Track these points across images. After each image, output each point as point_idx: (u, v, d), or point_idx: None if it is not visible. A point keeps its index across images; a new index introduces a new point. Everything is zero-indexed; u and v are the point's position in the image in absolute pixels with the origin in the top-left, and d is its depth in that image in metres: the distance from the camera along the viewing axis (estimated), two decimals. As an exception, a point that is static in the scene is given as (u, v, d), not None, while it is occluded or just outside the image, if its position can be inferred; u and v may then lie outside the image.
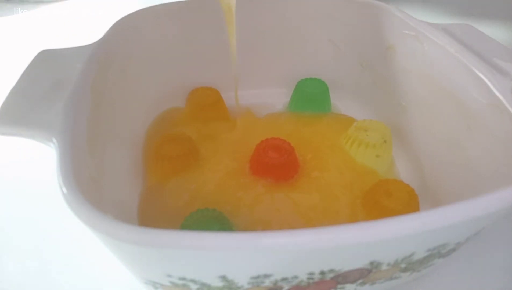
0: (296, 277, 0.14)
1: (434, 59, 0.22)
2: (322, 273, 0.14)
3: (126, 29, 0.23)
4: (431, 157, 0.23)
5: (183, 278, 0.13)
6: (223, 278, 0.13)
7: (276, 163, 0.22)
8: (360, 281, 0.15)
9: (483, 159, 0.18)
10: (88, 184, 0.15)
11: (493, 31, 0.24)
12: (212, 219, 0.19)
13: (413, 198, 0.20)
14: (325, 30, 0.28)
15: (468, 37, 0.22)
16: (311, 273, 0.14)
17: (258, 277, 0.13)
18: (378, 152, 0.23)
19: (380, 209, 0.20)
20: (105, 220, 0.12)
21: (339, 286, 0.15)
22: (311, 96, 0.28)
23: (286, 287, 0.14)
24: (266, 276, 0.13)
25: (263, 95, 0.29)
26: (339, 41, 0.29)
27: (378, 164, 0.23)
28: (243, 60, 0.28)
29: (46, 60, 0.19)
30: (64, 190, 0.13)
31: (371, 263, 0.14)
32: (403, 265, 0.15)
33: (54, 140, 0.15)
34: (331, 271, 0.14)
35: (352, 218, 0.21)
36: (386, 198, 0.20)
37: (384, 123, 0.24)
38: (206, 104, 0.27)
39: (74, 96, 0.17)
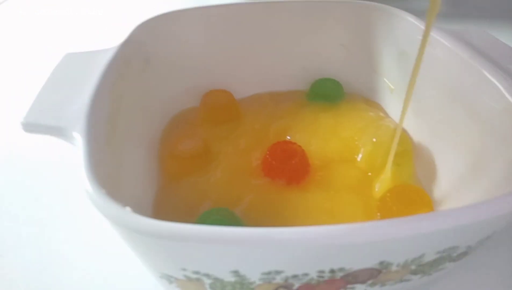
0: (306, 274, 0.14)
1: (447, 64, 0.22)
2: (332, 271, 0.14)
3: (146, 33, 0.24)
4: (443, 162, 0.23)
5: (197, 272, 0.14)
6: (236, 273, 0.14)
7: (287, 166, 0.22)
8: (370, 281, 0.15)
9: (496, 164, 0.18)
10: (108, 180, 0.16)
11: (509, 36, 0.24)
12: (224, 218, 0.20)
13: (428, 204, 0.20)
14: (336, 35, 0.29)
15: (482, 42, 0.22)
16: (321, 271, 0.14)
17: (269, 273, 0.14)
18: (398, 160, 0.23)
19: (395, 215, 0.20)
20: (126, 214, 0.12)
21: (348, 286, 0.15)
22: (325, 96, 0.28)
23: (296, 284, 0.15)
24: (277, 272, 0.14)
25: (278, 95, 0.30)
26: (351, 46, 0.29)
27: (398, 173, 0.23)
28: (259, 62, 0.29)
29: (71, 62, 0.20)
30: (86, 184, 0.13)
31: (381, 263, 0.14)
32: (413, 267, 0.15)
33: (77, 138, 0.16)
34: (341, 269, 0.14)
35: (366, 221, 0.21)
36: (400, 204, 0.20)
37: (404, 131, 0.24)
38: (220, 106, 0.27)
39: (95, 97, 0.18)
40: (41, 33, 0.44)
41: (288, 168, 0.22)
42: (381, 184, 0.22)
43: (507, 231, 0.21)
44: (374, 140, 0.24)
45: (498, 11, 0.45)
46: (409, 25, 0.24)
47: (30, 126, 0.17)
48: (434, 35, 0.22)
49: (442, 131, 0.23)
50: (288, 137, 0.26)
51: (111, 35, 0.25)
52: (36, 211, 0.24)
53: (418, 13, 0.25)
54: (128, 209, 0.13)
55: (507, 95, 0.18)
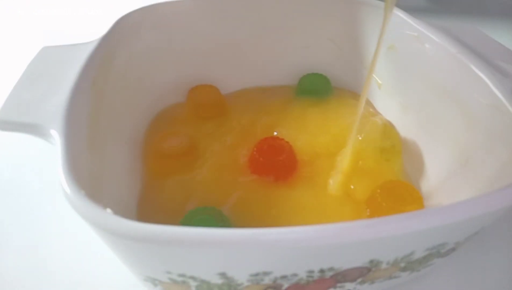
0: (295, 275, 0.14)
1: (435, 59, 0.22)
2: (322, 271, 0.14)
3: (128, 26, 0.23)
4: (431, 157, 0.23)
5: (183, 275, 0.13)
6: (223, 275, 0.13)
7: (274, 162, 0.22)
8: (359, 279, 0.15)
9: (483, 159, 0.18)
10: (88, 180, 0.15)
11: (499, 33, 0.24)
12: (210, 217, 0.19)
13: (418, 200, 0.20)
14: (325, 29, 0.28)
15: (470, 38, 0.22)
16: (311, 271, 0.14)
17: (257, 274, 0.13)
18: (387, 156, 0.23)
19: (384, 211, 0.20)
20: (106, 216, 0.12)
21: (338, 284, 0.15)
22: (313, 91, 0.28)
23: (285, 285, 0.14)
24: (266, 273, 0.13)
25: (266, 90, 0.29)
26: (339, 41, 0.29)
27: (387, 168, 0.23)
28: (246, 56, 0.29)
29: (48, 56, 0.19)
30: (64, 185, 0.13)
31: (371, 261, 0.14)
32: (402, 264, 0.15)
33: (55, 136, 0.15)
34: (331, 269, 0.14)
35: (355, 218, 0.21)
36: (390, 200, 0.20)
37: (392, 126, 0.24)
38: (206, 102, 0.27)
39: (74, 93, 0.17)
40: (17, 27, 0.42)
41: (276, 165, 0.22)
42: (336, 178, 0.22)
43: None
44: (360, 138, 0.23)
45: (487, 8, 0.45)
46: (398, 20, 0.24)
47: (4, 124, 0.16)
48: (423, 30, 0.22)
49: (430, 126, 0.23)
50: (275, 133, 0.25)
51: (94, 28, 0.24)
52: (15, 212, 0.23)
53: (407, 8, 0.24)
54: (108, 211, 0.12)
55: (495, 90, 0.18)
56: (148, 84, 0.26)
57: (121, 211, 0.18)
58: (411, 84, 0.24)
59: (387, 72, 0.26)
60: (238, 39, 0.28)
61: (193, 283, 0.14)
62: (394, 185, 0.20)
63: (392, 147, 0.23)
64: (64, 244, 0.21)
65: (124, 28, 0.23)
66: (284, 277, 0.14)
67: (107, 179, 0.18)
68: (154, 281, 0.15)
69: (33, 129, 0.16)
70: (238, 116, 0.27)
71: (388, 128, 0.24)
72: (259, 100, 0.28)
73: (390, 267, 0.15)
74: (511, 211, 0.14)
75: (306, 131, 0.26)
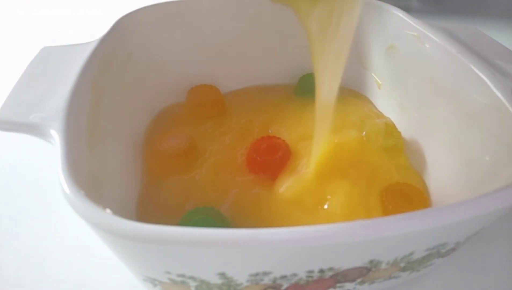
0: (295, 275, 0.14)
1: (435, 59, 0.22)
2: (321, 271, 0.14)
3: (128, 27, 0.23)
4: (432, 157, 0.23)
5: (182, 275, 0.13)
6: (222, 275, 0.13)
7: (271, 161, 0.22)
8: (359, 280, 0.15)
9: (484, 159, 0.18)
10: (88, 180, 0.15)
11: (499, 33, 0.24)
12: (209, 217, 0.19)
13: (424, 201, 0.20)
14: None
15: (470, 38, 0.22)
16: (310, 271, 0.14)
17: (257, 274, 0.13)
18: (391, 154, 0.23)
19: (391, 214, 0.19)
20: (105, 216, 0.12)
21: (338, 284, 0.15)
22: (313, 90, 0.28)
23: (285, 285, 0.14)
24: (265, 273, 0.13)
25: (265, 89, 0.29)
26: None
27: (394, 166, 0.23)
28: (246, 56, 0.29)
29: (48, 56, 0.19)
30: (64, 185, 0.13)
31: (371, 261, 0.14)
32: (402, 264, 0.15)
33: (55, 136, 0.15)
34: (330, 269, 0.14)
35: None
36: (396, 202, 0.19)
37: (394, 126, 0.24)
38: (206, 102, 0.27)
39: (74, 93, 0.17)
40: (17, 27, 0.42)
41: (272, 163, 0.22)
42: (292, 184, 0.21)
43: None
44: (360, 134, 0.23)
45: (487, 8, 0.45)
46: (397, 20, 0.24)
47: (4, 124, 0.16)
48: (424, 30, 0.22)
49: (430, 126, 0.23)
50: (270, 131, 0.25)
51: (94, 28, 0.24)
52: (15, 212, 0.23)
53: (406, 8, 0.24)
54: (108, 211, 0.12)
55: (494, 90, 0.18)
56: (147, 84, 0.26)
57: (121, 211, 0.18)
58: (411, 84, 0.24)
59: (387, 72, 0.26)
60: (238, 38, 0.28)
61: (192, 283, 0.14)
62: (399, 187, 0.20)
63: (395, 145, 0.23)
64: (64, 244, 0.21)
65: (124, 28, 0.23)
66: (283, 277, 0.14)
67: (106, 179, 0.18)
68: (153, 281, 0.15)
69: (33, 129, 0.16)
70: (237, 115, 0.27)
71: (390, 127, 0.24)
72: (259, 99, 0.28)
73: (390, 267, 0.15)
74: (511, 211, 0.14)
75: (304, 129, 0.26)
